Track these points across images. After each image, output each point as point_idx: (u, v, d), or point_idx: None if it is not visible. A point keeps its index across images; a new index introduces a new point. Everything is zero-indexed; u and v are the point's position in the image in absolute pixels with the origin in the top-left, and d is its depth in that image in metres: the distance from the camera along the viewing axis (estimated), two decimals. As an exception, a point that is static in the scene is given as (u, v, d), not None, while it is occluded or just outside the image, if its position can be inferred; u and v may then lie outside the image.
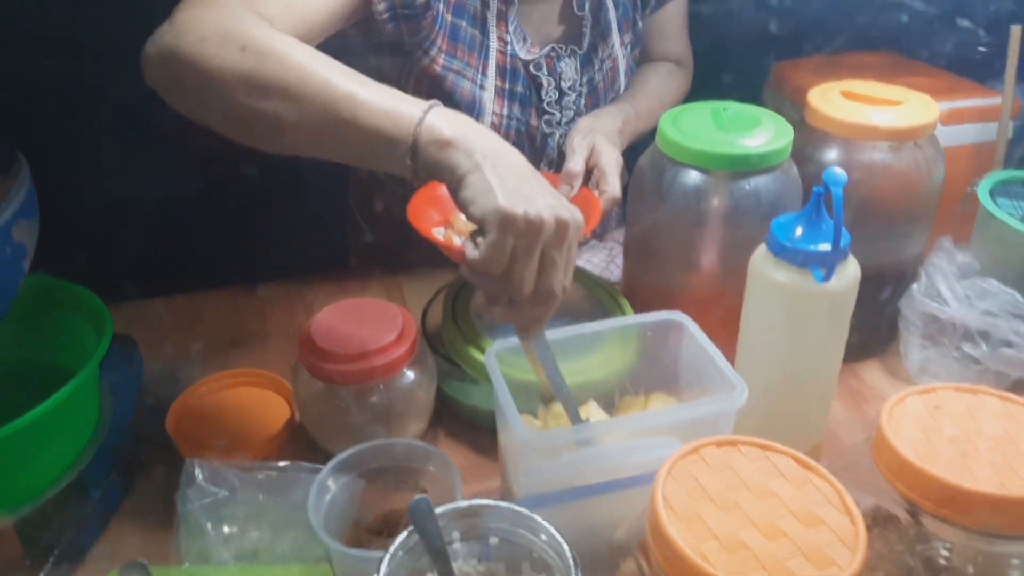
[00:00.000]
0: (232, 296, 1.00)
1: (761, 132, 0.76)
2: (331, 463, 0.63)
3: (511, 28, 0.90)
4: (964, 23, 1.16)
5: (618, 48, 0.99)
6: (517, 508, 0.50)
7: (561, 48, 0.94)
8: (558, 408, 0.69)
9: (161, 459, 0.76)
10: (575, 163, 0.86)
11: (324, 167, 1.09)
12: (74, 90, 1.06)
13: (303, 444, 0.76)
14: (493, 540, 0.51)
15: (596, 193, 0.86)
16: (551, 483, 0.59)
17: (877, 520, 0.55)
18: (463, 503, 0.50)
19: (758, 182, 0.75)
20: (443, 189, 0.84)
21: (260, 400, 0.80)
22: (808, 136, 0.81)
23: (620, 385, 0.72)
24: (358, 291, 1.00)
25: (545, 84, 0.93)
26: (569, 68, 0.95)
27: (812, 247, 0.63)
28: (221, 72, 0.60)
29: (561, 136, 0.98)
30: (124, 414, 0.77)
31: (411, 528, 0.48)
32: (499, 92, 0.91)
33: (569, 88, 0.95)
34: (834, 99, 0.80)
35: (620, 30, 0.99)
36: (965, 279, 0.80)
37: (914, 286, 0.80)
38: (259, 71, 0.59)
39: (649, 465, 0.52)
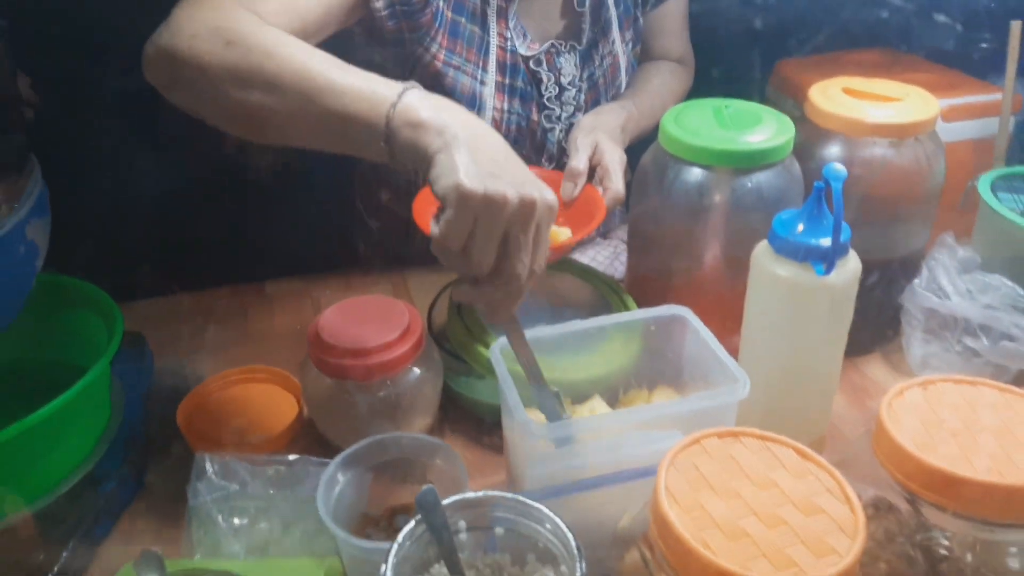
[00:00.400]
0: (240, 293, 1.02)
1: (762, 129, 0.77)
2: (339, 457, 0.64)
3: (511, 24, 0.91)
4: (965, 19, 1.16)
5: (619, 45, 1.00)
6: (522, 498, 0.51)
7: (561, 44, 0.95)
8: (566, 402, 0.70)
9: (172, 454, 0.78)
10: (579, 161, 0.87)
11: (330, 165, 1.11)
12: (82, 89, 1.07)
13: (311, 439, 0.77)
14: (499, 531, 0.52)
15: (600, 191, 0.87)
16: (556, 476, 0.60)
17: (879, 511, 0.56)
18: (469, 494, 0.51)
19: (760, 178, 0.76)
20: None
21: (269, 396, 0.81)
22: (810, 132, 0.81)
23: (624, 380, 0.73)
24: (365, 288, 1.02)
25: (545, 79, 0.94)
26: (569, 64, 0.95)
27: (813, 242, 0.64)
28: (211, 67, 0.62)
29: (561, 131, 0.98)
30: (135, 410, 0.78)
31: (418, 518, 0.49)
32: (500, 87, 0.92)
33: (569, 83, 0.96)
34: (835, 95, 0.81)
35: (621, 27, 0.99)
36: (966, 273, 0.81)
37: (916, 280, 0.81)
38: (244, 63, 0.61)
39: (652, 457, 0.53)
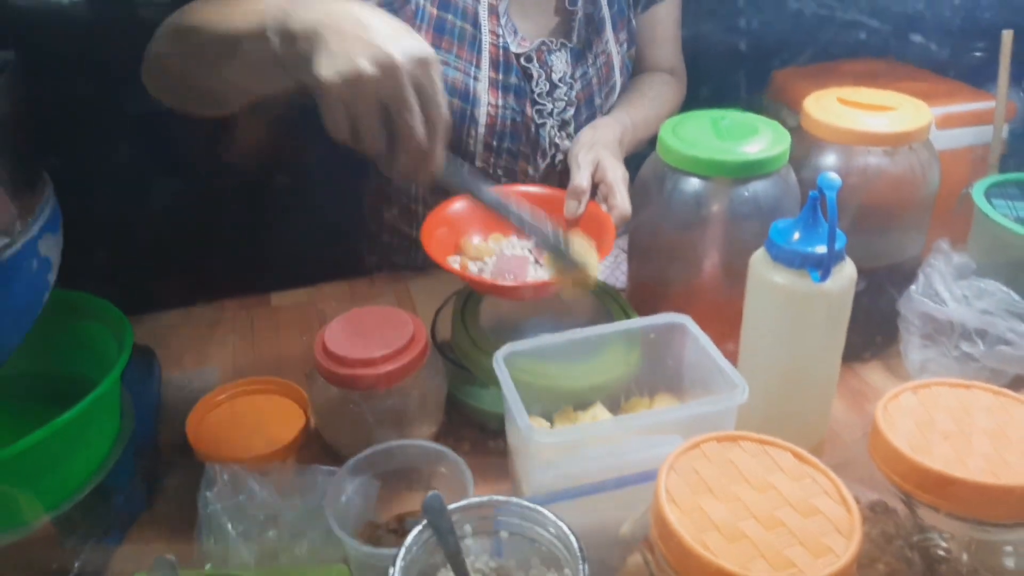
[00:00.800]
0: (247, 306, 1.03)
1: (759, 139, 0.78)
2: (346, 465, 0.65)
3: (502, 22, 0.93)
4: (959, 28, 1.18)
5: (612, 45, 1.01)
6: (525, 503, 0.52)
7: (552, 42, 0.96)
8: (568, 410, 0.71)
9: (181, 465, 0.79)
10: (581, 178, 0.87)
11: (336, 179, 1.13)
12: (89, 105, 1.09)
13: (318, 449, 0.78)
14: (504, 535, 0.53)
15: (604, 208, 0.86)
16: (559, 481, 0.61)
17: (877, 514, 0.57)
18: (474, 498, 0.52)
19: (757, 188, 0.77)
20: (452, 208, 0.87)
21: (276, 407, 0.82)
22: (805, 142, 0.83)
23: (625, 387, 0.74)
24: (369, 300, 1.03)
25: (535, 76, 0.95)
26: (560, 61, 0.97)
27: (809, 249, 0.65)
28: (156, 55, 0.71)
29: (552, 127, 0.99)
30: (145, 421, 0.80)
31: (425, 523, 0.50)
32: (493, 83, 0.94)
33: (560, 80, 0.97)
34: (829, 105, 0.82)
35: (615, 28, 1.01)
36: (962, 279, 0.82)
37: (912, 287, 0.82)
38: (162, 37, 0.70)
39: (653, 462, 0.54)
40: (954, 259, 0.83)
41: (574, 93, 0.99)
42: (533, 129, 0.98)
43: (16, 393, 0.78)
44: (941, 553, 0.54)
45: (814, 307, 0.67)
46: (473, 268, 0.84)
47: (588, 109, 1.01)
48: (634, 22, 1.05)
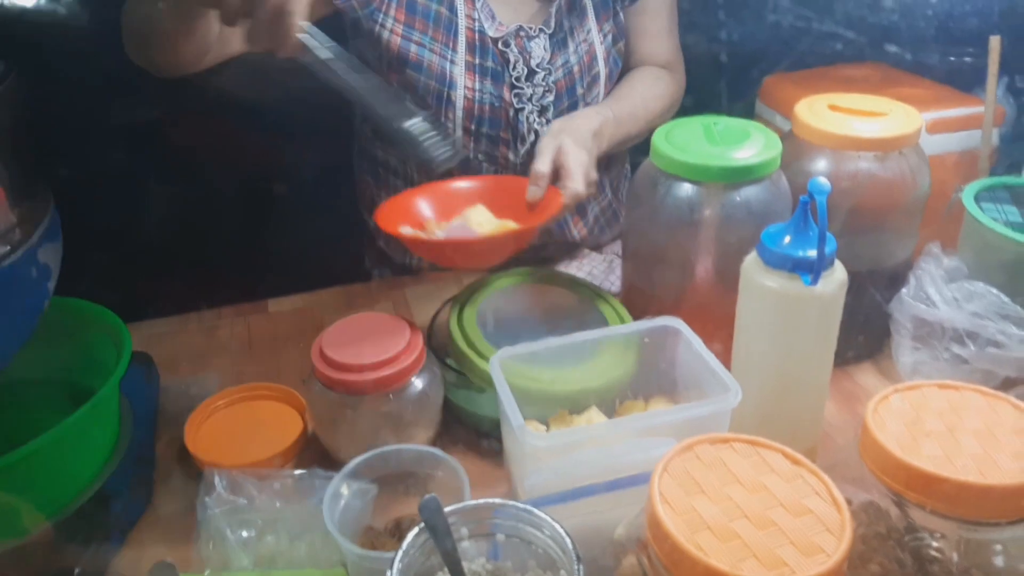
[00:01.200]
0: (244, 312, 1.04)
1: (750, 145, 0.79)
2: (344, 469, 0.65)
3: (478, 6, 0.94)
4: (950, 33, 1.19)
5: (595, 34, 1.01)
6: (521, 505, 0.52)
7: (531, 28, 0.97)
8: (563, 414, 0.72)
9: (179, 471, 0.80)
10: (541, 163, 0.87)
11: (332, 184, 1.13)
12: (87, 113, 1.10)
13: (316, 454, 0.78)
14: (500, 537, 0.54)
15: (560, 190, 0.87)
16: (554, 484, 0.62)
17: (869, 515, 0.58)
18: (470, 501, 0.53)
19: (749, 193, 0.78)
20: (414, 198, 0.90)
21: (274, 412, 0.82)
22: (797, 147, 0.84)
23: (620, 391, 0.74)
24: (366, 305, 1.04)
25: (512, 60, 0.96)
26: (539, 47, 0.98)
27: (799, 253, 0.66)
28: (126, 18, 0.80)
29: (531, 112, 1.00)
30: (143, 428, 0.80)
31: (422, 526, 0.50)
32: (470, 67, 0.95)
33: (537, 66, 0.98)
34: (820, 111, 0.83)
35: (598, 17, 1.01)
36: (953, 282, 0.83)
37: (904, 290, 0.83)
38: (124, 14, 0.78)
39: (647, 464, 0.54)
40: (945, 262, 0.84)
41: (552, 80, 0.99)
42: (512, 114, 0.99)
43: (16, 400, 0.78)
44: (932, 553, 0.55)
45: (805, 310, 0.67)
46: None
47: (569, 97, 1.02)
48: (620, 15, 1.05)
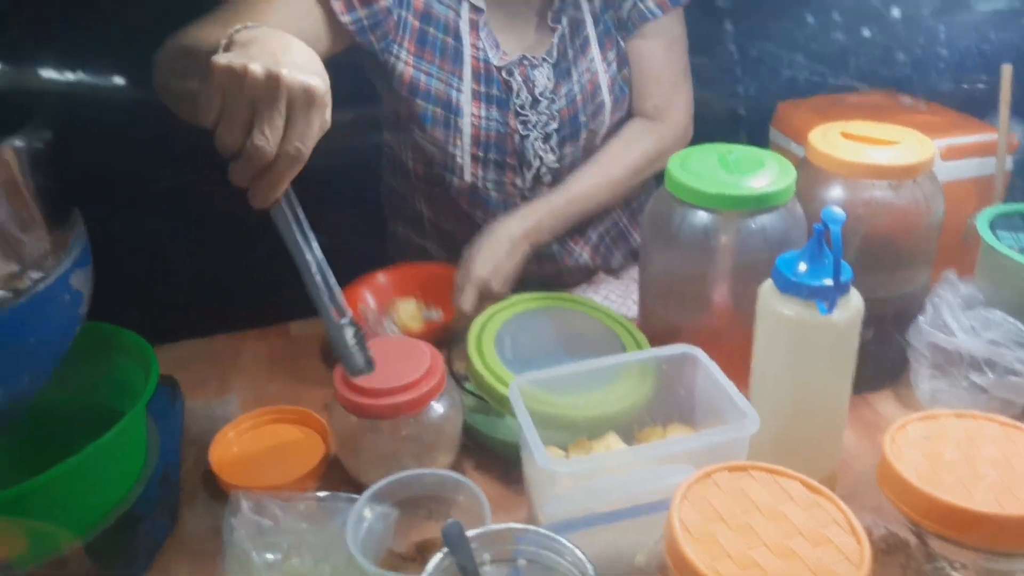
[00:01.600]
0: (267, 336, 1.05)
1: (765, 173, 0.80)
2: (366, 493, 0.66)
3: (482, 35, 0.97)
4: (963, 60, 1.20)
5: (599, 63, 1.02)
6: (543, 531, 0.53)
7: (534, 57, 0.99)
8: (582, 440, 0.73)
9: (204, 493, 0.81)
10: (461, 302, 0.95)
11: (354, 214, 1.15)
12: (116, 143, 1.12)
13: (338, 478, 0.80)
14: (521, 562, 0.54)
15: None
16: (574, 510, 0.63)
17: (890, 546, 0.58)
18: (493, 526, 0.54)
19: (764, 220, 0.79)
20: (382, 276, 1.03)
21: (296, 435, 0.84)
22: (811, 174, 0.85)
23: (639, 417, 0.75)
24: (386, 330, 1.05)
25: (515, 88, 0.99)
26: (542, 76, 1.00)
27: (815, 282, 0.67)
28: (157, 64, 0.81)
29: (536, 139, 1.02)
30: (169, 450, 0.82)
31: (445, 551, 0.51)
32: (476, 95, 0.98)
33: (541, 95, 1.00)
34: (834, 139, 0.84)
35: (602, 46, 1.02)
36: (970, 310, 0.83)
37: (921, 317, 0.83)
38: (163, 50, 0.81)
39: (666, 492, 0.55)
40: (961, 289, 0.84)
41: (556, 108, 1.01)
42: (517, 140, 1.01)
43: (45, 422, 0.80)
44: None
45: (822, 338, 0.68)
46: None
47: (572, 125, 1.03)
48: (622, 44, 1.05)
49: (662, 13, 1.01)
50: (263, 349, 1.03)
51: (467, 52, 0.96)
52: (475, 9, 0.95)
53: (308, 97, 0.59)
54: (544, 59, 0.99)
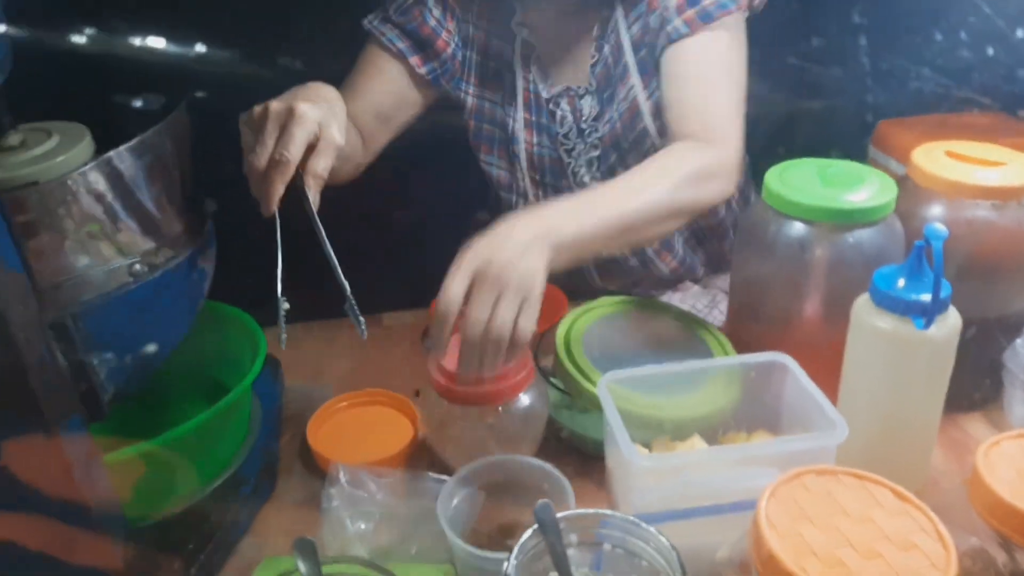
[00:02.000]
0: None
1: (865, 188, 0.80)
2: (457, 474, 0.70)
3: (533, 69, 1.02)
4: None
5: (639, 90, 1.00)
6: (630, 518, 0.55)
7: (579, 87, 1.02)
8: (666, 440, 0.74)
9: (300, 466, 0.86)
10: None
11: (449, 211, 1.19)
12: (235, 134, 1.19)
13: (425, 460, 0.83)
14: (606, 547, 0.57)
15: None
16: (656, 506, 0.64)
17: (976, 562, 0.58)
18: (581, 510, 0.56)
19: (861, 235, 0.79)
20: None
21: (388, 418, 0.88)
22: (912, 193, 0.84)
23: (724, 422, 0.76)
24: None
25: (559, 117, 1.03)
26: (586, 105, 1.02)
27: (913, 297, 0.67)
28: None
29: (579, 165, 1.05)
30: (269, 424, 0.87)
31: (535, 528, 0.54)
32: (528, 124, 1.03)
33: (584, 123, 1.03)
34: (938, 158, 0.84)
35: (643, 72, 0.99)
36: (1070, 335, 0.81)
37: (1018, 340, 0.82)
38: None
39: (748, 493, 0.56)
40: (1063, 315, 0.82)
41: (598, 136, 1.04)
42: (564, 165, 1.06)
43: (162, 390, 0.86)
44: (1041, 604, 0.55)
45: (917, 354, 0.68)
46: None
47: (615, 151, 1.04)
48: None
49: (689, 31, 0.91)
50: (358, 337, 1.07)
51: (520, 84, 1.02)
52: (526, 44, 1.00)
53: (289, 114, 0.72)
54: (587, 89, 1.02)
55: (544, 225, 0.74)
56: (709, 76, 0.93)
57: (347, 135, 0.90)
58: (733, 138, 0.90)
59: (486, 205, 1.23)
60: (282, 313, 0.76)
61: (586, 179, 1.06)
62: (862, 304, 0.70)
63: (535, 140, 1.04)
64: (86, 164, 0.67)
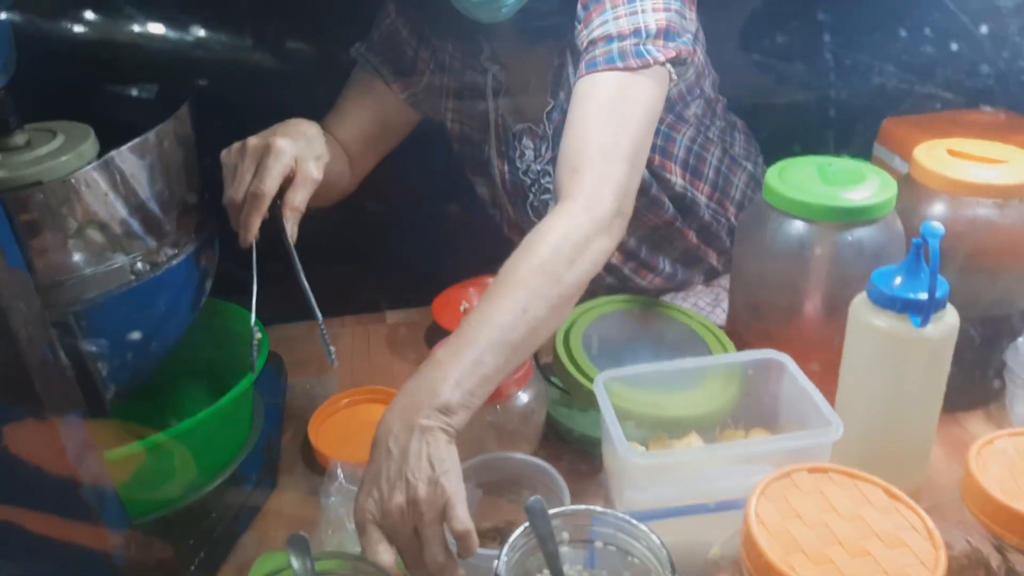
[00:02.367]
0: (364, 322, 1.11)
1: (865, 186, 0.80)
2: (454, 471, 0.70)
3: (501, 103, 1.01)
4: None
5: None
6: (621, 515, 0.56)
7: (537, 127, 1.00)
8: (663, 438, 0.74)
9: (302, 463, 0.87)
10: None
11: (449, 209, 1.20)
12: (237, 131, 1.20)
13: (425, 457, 0.84)
14: (598, 544, 0.57)
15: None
16: (650, 502, 0.64)
17: (971, 561, 0.58)
18: (573, 507, 0.56)
19: (861, 234, 0.79)
20: (490, 279, 0.93)
21: (388, 416, 0.88)
22: (913, 191, 0.84)
23: (721, 420, 0.76)
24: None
25: (520, 154, 1.02)
26: (543, 148, 1.00)
27: (910, 295, 0.66)
28: None
29: (538, 203, 1.04)
30: (272, 421, 0.88)
31: (527, 525, 0.54)
32: (499, 152, 1.03)
33: (539, 163, 1.01)
34: (939, 156, 0.83)
35: None
36: (1073, 334, 0.81)
37: (1020, 339, 0.81)
38: None
39: (743, 491, 0.56)
40: (1066, 313, 0.82)
41: (549, 181, 1.02)
42: (527, 194, 1.05)
43: (164, 387, 0.87)
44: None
45: (914, 352, 0.68)
46: None
47: None
48: None
49: (594, 68, 0.82)
50: (361, 334, 1.09)
51: (491, 115, 1.02)
52: (495, 79, 0.99)
53: (266, 149, 0.74)
54: (544, 131, 1.00)
55: (413, 406, 0.64)
56: (594, 117, 0.81)
57: (335, 161, 0.91)
58: (609, 187, 0.78)
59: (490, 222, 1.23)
60: (255, 343, 0.78)
61: (537, 206, 1.05)
62: (860, 302, 0.70)
63: (506, 168, 1.04)
64: (89, 163, 0.68)
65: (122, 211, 0.69)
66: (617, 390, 0.72)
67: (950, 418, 0.85)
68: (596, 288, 1.07)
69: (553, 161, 0.99)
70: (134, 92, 0.94)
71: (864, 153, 1.12)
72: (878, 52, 1.24)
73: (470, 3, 0.84)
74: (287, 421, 0.92)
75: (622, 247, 1.04)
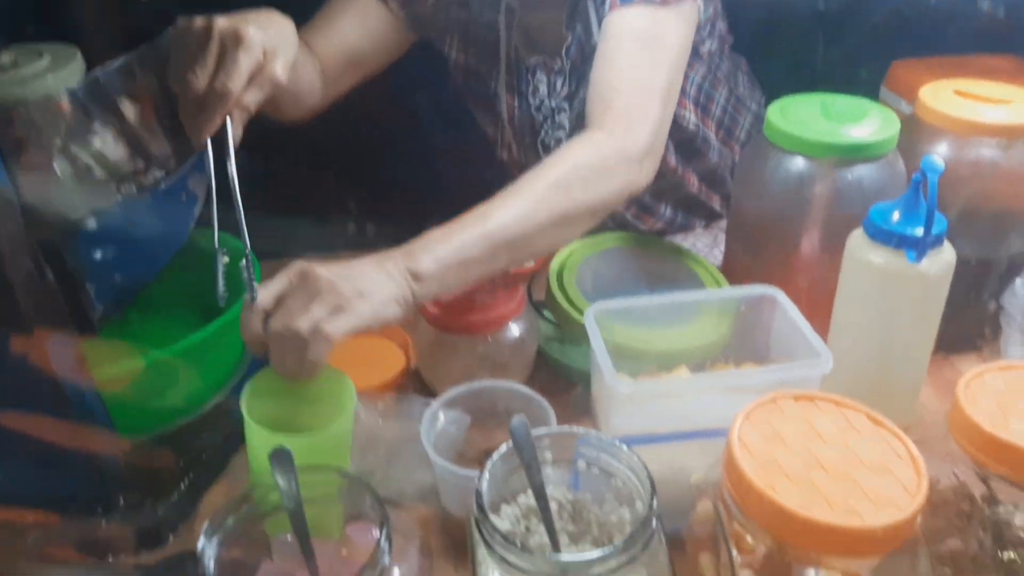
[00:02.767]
0: (358, 255, 1.10)
1: (868, 123, 0.78)
2: (442, 396, 0.70)
3: (515, 35, 0.97)
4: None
5: None
6: (603, 436, 0.56)
7: (554, 62, 0.97)
8: (652, 370, 0.74)
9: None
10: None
11: (450, 152, 1.18)
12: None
13: (416, 389, 0.84)
14: (581, 465, 0.57)
15: None
16: (636, 428, 0.64)
17: (956, 495, 0.58)
18: (556, 428, 0.56)
19: (862, 171, 0.78)
20: None
21: (380, 346, 0.88)
22: (917, 130, 0.82)
23: (712, 355, 0.76)
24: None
25: (534, 88, 0.99)
26: (559, 83, 0.98)
27: (906, 230, 0.65)
28: None
29: (551, 140, 1.02)
30: (263, 350, 0.88)
31: (510, 444, 0.54)
32: (509, 86, 0.99)
33: (555, 99, 0.99)
34: (945, 96, 0.82)
35: None
36: (1071, 278, 0.80)
37: (1017, 281, 0.80)
38: None
39: (729, 420, 0.56)
40: (1066, 257, 0.81)
41: (567, 116, 1.00)
42: (538, 127, 1.02)
43: (152, 314, 0.87)
44: (1021, 535, 0.54)
45: (909, 288, 0.67)
46: None
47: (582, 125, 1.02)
48: None
49: (628, 2, 0.81)
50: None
51: (503, 47, 0.97)
52: (509, 9, 0.96)
53: (235, 39, 0.66)
54: (562, 67, 0.98)
55: (388, 257, 0.68)
56: (628, 52, 0.81)
57: (307, 73, 0.87)
58: (642, 124, 0.78)
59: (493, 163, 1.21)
60: (221, 267, 0.71)
61: (549, 144, 1.03)
62: (856, 238, 0.69)
63: (516, 103, 1.00)
64: (76, 84, 0.67)
65: (108, 132, 0.68)
66: (608, 324, 0.71)
67: (943, 359, 0.84)
68: (595, 230, 1.07)
69: (569, 98, 0.98)
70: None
71: (871, 97, 1.10)
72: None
73: None
74: (279, 352, 0.92)
75: None
